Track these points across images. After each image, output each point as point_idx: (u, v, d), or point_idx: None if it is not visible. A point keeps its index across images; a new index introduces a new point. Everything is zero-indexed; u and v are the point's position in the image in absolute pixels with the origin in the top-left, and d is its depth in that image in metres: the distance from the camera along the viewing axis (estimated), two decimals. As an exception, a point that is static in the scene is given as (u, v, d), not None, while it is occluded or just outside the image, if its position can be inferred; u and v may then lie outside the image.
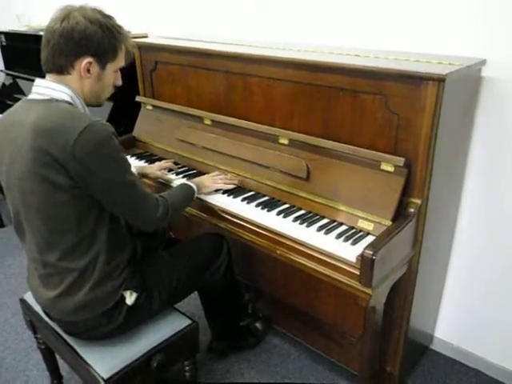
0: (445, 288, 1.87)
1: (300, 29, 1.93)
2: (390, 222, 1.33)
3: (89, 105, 1.30)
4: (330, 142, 1.49)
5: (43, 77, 1.24)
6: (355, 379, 1.80)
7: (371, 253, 1.18)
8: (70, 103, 1.22)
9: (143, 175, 1.79)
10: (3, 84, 3.26)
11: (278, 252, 1.42)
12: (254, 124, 1.69)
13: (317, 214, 1.48)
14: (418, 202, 1.36)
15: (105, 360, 1.32)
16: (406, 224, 1.32)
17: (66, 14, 1.18)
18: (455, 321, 1.89)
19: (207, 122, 1.85)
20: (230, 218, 1.55)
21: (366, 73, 1.37)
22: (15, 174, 1.18)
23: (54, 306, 1.31)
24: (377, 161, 1.38)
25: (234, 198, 1.61)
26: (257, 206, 1.55)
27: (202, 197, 1.61)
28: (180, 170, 1.85)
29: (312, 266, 1.34)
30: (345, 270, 1.26)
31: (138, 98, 2.15)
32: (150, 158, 1.99)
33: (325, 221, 1.44)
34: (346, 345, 1.80)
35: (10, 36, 3.18)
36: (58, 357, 1.64)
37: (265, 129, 1.65)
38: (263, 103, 1.69)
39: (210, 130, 1.84)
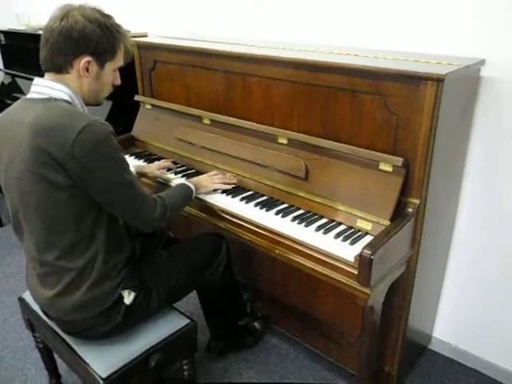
0: (443, 288, 1.88)
1: (299, 29, 1.93)
2: (389, 222, 1.33)
3: (88, 104, 1.30)
4: (329, 141, 1.49)
5: (42, 76, 1.24)
6: (353, 379, 1.80)
7: (369, 252, 1.18)
8: (68, 102, 1.22)
9: (142, 174, 1.79)
10: (2, 83, 3.26)
11: (277, 251, 1.42)
12: (253, 124, 1.69)
13: (315, 214, 1.48)
14: (417, 201, 1.36)
15: (103, 359, 1.32)
16: (404, 224, 1.32)
17: (65, 13, 1.18)
18: (453, 321, 1.89)
19: (206, 121, 1.85)
20: (228, 217, 1.55)
21: (365, 73, 1.37)
22: (14, 173, 1.18)
23: (52, 305, 1.32)
24: (375, 161, 1.38)
25: (233, 197, 1.61)
26: (255, 205, 1.55)
27: (201, 196, 1.61)
28: (179, 170, 1.84)
29: (310, 266, 1.34)
30: (343, 269, 1.27)
31: (136, 98, 2.15)
32: (149, 158, 1.99)
33: (323, 220, 1.44)
34: (344, 344, 1.80)
35: (10, 35, 3.18)
36: (56, 356, 1.64)
37: (264, 128, 1.65)
38: (262, 103, 1.69)
39: (209, 130, 1.84)
